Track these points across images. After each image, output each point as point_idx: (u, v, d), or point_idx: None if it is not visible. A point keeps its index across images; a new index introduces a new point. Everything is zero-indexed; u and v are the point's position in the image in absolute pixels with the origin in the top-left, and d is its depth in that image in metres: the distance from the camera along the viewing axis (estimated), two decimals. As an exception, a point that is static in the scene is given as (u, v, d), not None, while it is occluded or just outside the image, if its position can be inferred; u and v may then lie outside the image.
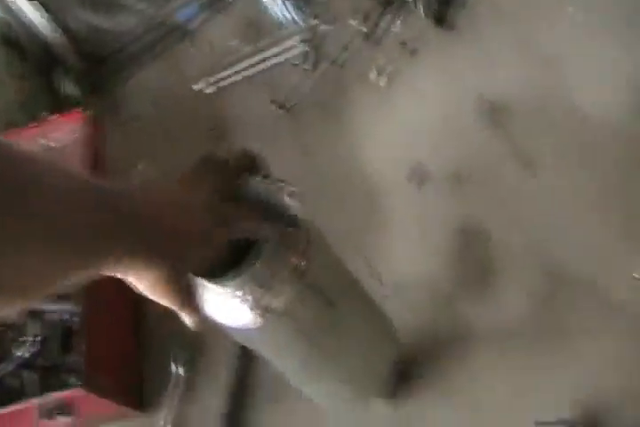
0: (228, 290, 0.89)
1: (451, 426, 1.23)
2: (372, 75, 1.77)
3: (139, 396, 1.59)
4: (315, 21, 1.95)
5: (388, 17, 1.86)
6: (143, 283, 0.76)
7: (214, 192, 0.83)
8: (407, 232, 1.47)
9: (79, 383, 1.40)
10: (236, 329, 0.95)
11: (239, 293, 0.89)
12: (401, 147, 1.61)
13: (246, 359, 1.44)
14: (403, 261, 1.43)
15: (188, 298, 0.83)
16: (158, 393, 1.57)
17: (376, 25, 1.87)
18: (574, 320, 1.22)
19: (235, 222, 0.84)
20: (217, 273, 0.87)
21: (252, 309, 0.90)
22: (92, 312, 1.51)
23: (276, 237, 0.90)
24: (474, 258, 1.38)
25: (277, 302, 0.92)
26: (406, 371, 1.29)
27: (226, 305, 0.91)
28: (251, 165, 0.91)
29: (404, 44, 1.79)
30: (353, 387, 1.19)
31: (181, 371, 1.56)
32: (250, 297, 0.89)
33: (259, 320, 0.92)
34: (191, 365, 1.55)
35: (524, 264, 1.31)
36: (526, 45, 1.62)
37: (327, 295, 1.00)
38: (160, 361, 1.59)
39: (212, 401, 1.49)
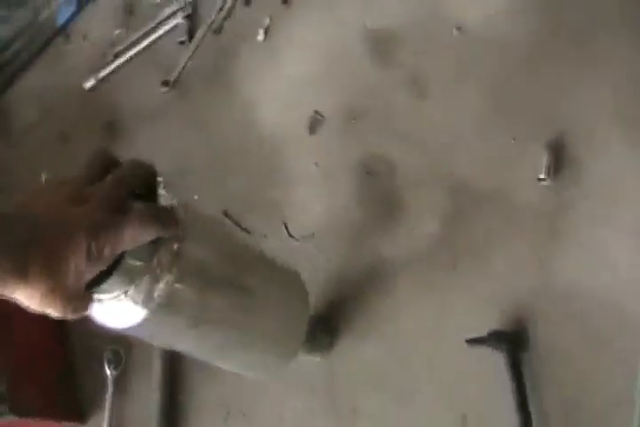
0: (113, 293, 0.82)
1: (378, 360, 1.16)
2: (253, 35, 1.69)
3: (76, 407, 1.51)
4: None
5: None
6: (30, 300, 0.72)
7: (101, 205, 0.76)
8: (313, 181, 1.40)
9: (8, 411, 1.33)
10: (134, 329, 0.87)
11: (123, 293, 0.82)
12: (294, 100, 1.54)
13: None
14: (314, 209, 1.37)
15: (77, 307, 0.76)
16: (96, 399, 1.48)
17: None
18: (485, 233, 1.15)
19: (122, 236, 0.76)
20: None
21: (139, 303, 0.84)
22: (8, 334, 1.43)
23: None
24: (380, 192, 1.31)
25: (162, 290, 0.85)
26: (329, 317, 1.21)
27: (115, 309, 0.84)
28: (142, 176, 0.83)
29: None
30: (274, 353, 1.11)
31: (114, 372, 1.46)
32: (134, 293, 0.83)
33: (151, 313, 0.85)
34: (123, 363, 1.47)
35: (430, 189, 1.24)
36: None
37: (215, 273, 0.94)
38: (92, 366, 1.50)
39: (149, 396, 1.40)
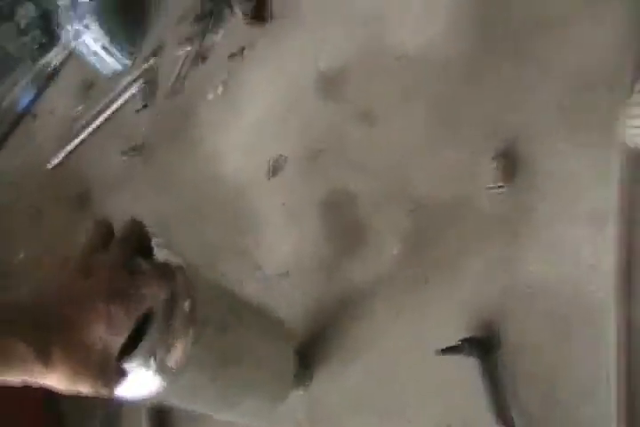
0: (134, 365, 0.81)
1: (360, 384, 1.14)
2: (211, 90, 1.72)
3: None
4: (147, 63, 1.90)
5: (211, 32, 1.82)
6: (59, 384, 0.71)
7: (113, 270, 0.77)
8: (280, 222, 1.42)
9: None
10: (153, 397, 0.87)
11: (145, 362, 0.82)
12: (255, 146, 1.56)
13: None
14: (284, 249, 1.38)
15: (108, 381, 0.75)
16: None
17: (200, 45, 1.83)
18: (450, 244, 1.15)
19: (142, 296, 0.78)
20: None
21: (159, 371, 0.83)
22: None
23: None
24: (344, 223, 1.31)
25: (180, 354, 0.85)
26: (310, 349, 1.21)
27: (135, 379, 0.82)
28: (139, 234, 0.84)
29: (232, 52, 1.74)
30: (270, 395, 1.12)
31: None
32: (156, 360, 0.83)
33: (174, 378, 0.85)
34: (114, 421, 1.45)
35: (391, 211, 1.24)
36: (345, 12, 1.60)
37: (219, 324, 0.94)
38: (84, 425, 1.48)
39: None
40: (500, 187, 1.12)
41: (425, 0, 1.47)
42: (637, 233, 0.97)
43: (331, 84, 1.50)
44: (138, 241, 0.83)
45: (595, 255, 0.99)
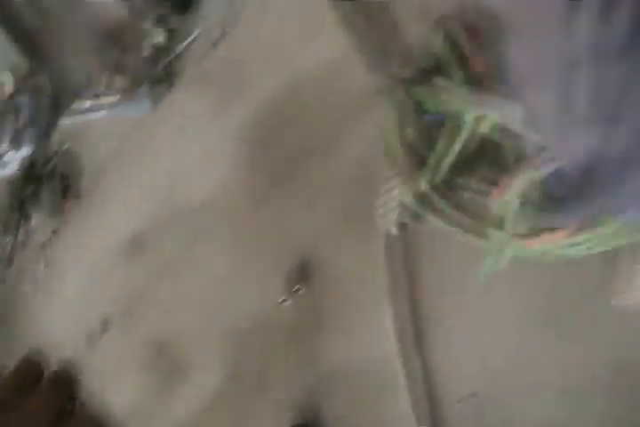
0: None
1: None
2: (30, 277, 1.80)
3: None
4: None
5: (21, 224, 1.91)
6: None
7: (47, 417, 0.78)
8: (114, 374, 1.46)
9: None
10: None
11: None
12: (78, 317, 1.62)
13: None
14: (123, 399, 1.42)
15: None
16: None
17: (15, 237, 1.92)
18: (258, 359, 1.24)
19: None
20: None
21: None
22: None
23: None
24: (168, 363, 1.38)
25: None
26: None
27: None
28: (69, 381, 0.86)
29: (45, 239, 1.84)
30: None
31: None
32: None
33: None
34: None
35: (206, 346, 1.34)
36: (141, 181, 1.74)
37: None
38: None
39: None
40: (297, 291, 1.23)
41: (203, 156, 1.62)
42: (417, 301, 1.09)
43: (137, 246, 1.61)
44: (68, 386, 0.84)
45: (381, 327, 1.09)
